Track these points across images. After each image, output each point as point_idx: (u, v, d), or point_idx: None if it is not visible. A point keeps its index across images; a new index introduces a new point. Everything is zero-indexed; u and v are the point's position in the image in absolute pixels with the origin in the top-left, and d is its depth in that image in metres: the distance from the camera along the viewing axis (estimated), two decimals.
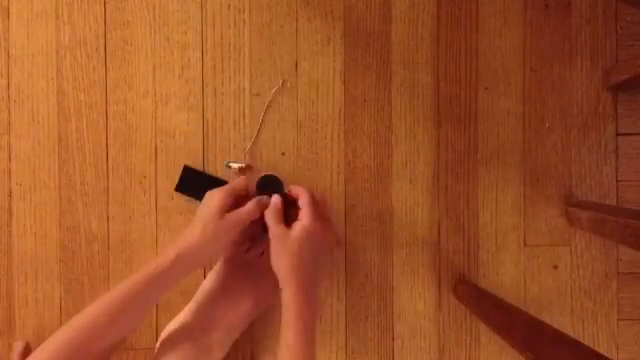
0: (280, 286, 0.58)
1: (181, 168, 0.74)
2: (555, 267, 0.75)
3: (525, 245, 0.75)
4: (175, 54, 0.74)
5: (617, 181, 0.75)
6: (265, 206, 0.63)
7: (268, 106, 0.74)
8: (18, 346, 0.72)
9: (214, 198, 0.62)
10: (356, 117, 0.75)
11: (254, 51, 0.74)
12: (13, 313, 0.74)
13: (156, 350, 0.67)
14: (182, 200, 0.74)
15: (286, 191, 0.66)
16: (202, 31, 0.74)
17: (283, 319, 0.56)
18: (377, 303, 0.75)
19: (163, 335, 0.68)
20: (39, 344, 0.56)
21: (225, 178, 0.74)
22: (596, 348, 0.68)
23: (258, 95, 0.74)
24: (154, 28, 0.74)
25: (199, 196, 0.73)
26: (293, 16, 0.74)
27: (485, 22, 0.75)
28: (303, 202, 0.61)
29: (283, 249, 0.58)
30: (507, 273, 0.75)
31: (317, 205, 0.62)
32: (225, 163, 0.74)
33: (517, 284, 0.75)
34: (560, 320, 0.75)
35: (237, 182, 0.65)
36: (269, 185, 0.69)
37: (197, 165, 0.74)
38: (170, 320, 0.72)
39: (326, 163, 0.75)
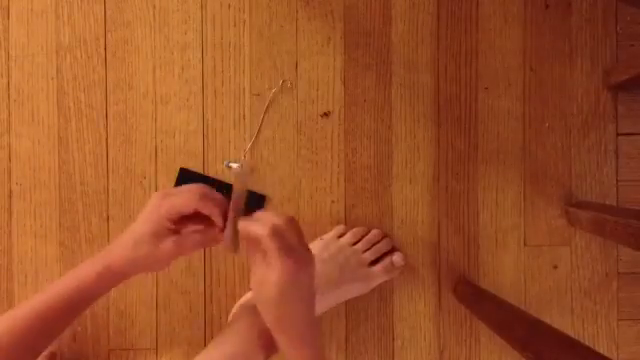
0: (274, 335, 0.49)
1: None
2: (555, 267, 0.75)
3: (525, 245, 0.75)
4: (175, 54, 0.74)
5: (617, 181, 0.75)
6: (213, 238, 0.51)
7: (268, 106, 0.74)
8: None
9: (160, 210, 0.50)
10: (356, 117, 0.75)
11: (254, 51, 0.74)
12: None
13: (232, 315, 0.70)
14: None
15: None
16: (202, 31, 0.74)
17: None
18: (377, 303, 0.75)
19: (243, 300, 0.71)
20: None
21: (225, 178, 0.74)
22: (596, 348, 0.68)
23: (258, 95, 0.74)
24: (154, 28, 0.74)
25: None
26: (293, 16, 0.74)
27: (485, 22, 0.75)
28: (265, 242, 0.47)
29: (266, 298, 0.47)
30: (507, 273, 0.75)
31: (283, 236, 0.47)
32: (225, 163, 0.74)
33: (517, 284, 0.75)
34: (560, 320, 0.75)
35: (190, 198, 0.50)
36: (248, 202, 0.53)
37: (197, 165, 0.74)
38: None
39: (326, 163, 0.75)
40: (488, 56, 0.75)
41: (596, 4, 0.75)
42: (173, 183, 0.74)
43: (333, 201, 0.75)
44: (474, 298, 0.71)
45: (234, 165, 0.73)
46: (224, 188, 0.73)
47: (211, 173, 0.74)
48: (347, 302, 0.74)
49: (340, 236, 0.72)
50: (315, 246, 0.71)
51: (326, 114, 0.75)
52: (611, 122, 0.75)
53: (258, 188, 0.74)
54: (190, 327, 0.74)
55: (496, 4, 0.75)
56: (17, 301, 0.74)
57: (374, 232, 0.73)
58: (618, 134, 0.75)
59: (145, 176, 0.74)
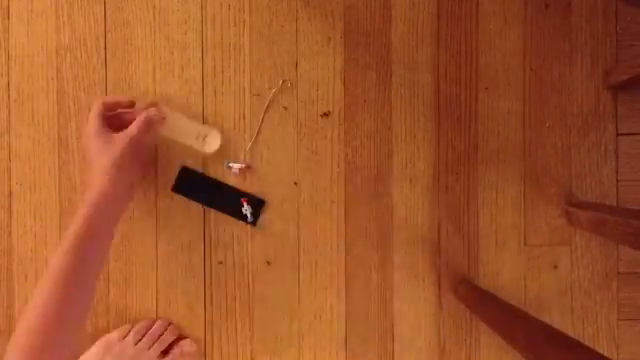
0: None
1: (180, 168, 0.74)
2: (555, 267, 0.75)
3: (525, 245, 0.75)
4: (175, 54, 0.74)
5: (617, 181, 0.75)
6: (151, 121, 0.66)
7: (268, 106, 0.74)
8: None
9: (114, 144, 0.64)
10: (356, 117, 0.75)
11: (254, 51, 0.74)
12: (13, 313, 0.74)
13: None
14: (182, 200, 0.74)
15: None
16: (202, 31, 0.74)
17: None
18: (377, 303, 0.75)
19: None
20: None
21: (225, 179, 0.74)
22: (596, 348, 0.68)
23: (258, 95, 0.74)
24: (154, 28, 0.74)
25: (196, 197, 0.74)
26: (293, 16, 0.74)
27: (485, 22, 0.75)
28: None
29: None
30: (507, 273, 0.75)
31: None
32: (225, 163, 0.74)
33: (517, 284, 0.75)
34: (560, 320, 0.75)
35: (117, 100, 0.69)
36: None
37: (197, 165, 0.74)
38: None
39: (326, 163, 0.75)
40: (488, 56, 0.75)
41: (596, 4, 0.75)
42: (173, 183, 0.74)
43: (333, 201, 0.75)
44: (474, 298, 0.71)
45: (234, 165, 0.74)
46: (224, 188, 0.74)
47: (211, 173, 0.74)
48: (347, 302, 0.74)
49: (125, 336, 0.71)
50: (98, 348, 0.70)
51: (326, 114, 0.75)
52: (611, 122, 0.75)
53: (257, 191, 0.74)
54: (190, 327, 0.74)
55: (496, 4, 0.75)
56: (17, 301, 0.74)
57: (158, 323, 0.73)
58: (618, 134, 0.75)
59: (145, 176, 0.74)
